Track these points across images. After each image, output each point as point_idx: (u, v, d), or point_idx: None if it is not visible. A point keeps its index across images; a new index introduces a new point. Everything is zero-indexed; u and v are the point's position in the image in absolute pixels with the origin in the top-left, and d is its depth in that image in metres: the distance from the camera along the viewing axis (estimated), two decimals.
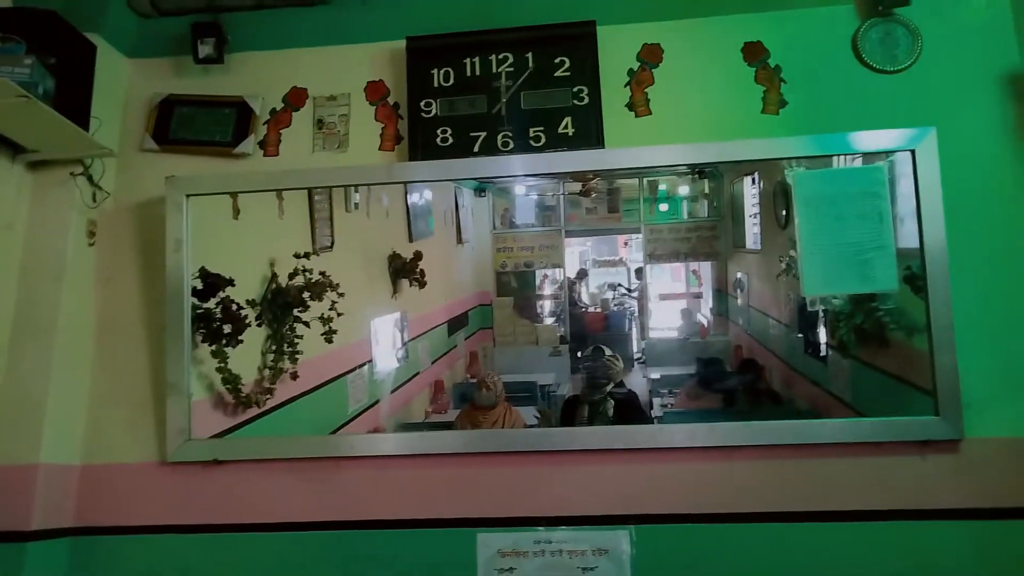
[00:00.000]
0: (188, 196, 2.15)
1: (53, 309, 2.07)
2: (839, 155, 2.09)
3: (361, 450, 2.09)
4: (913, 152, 1.95)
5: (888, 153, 2.01)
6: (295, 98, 2.31)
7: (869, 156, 2.06)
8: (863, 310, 2.41)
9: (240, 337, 2.27)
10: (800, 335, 3.30)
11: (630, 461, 1.99)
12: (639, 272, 5.36)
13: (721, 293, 4.76)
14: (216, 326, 2.22)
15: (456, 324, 4.65)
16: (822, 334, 3.01)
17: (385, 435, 2.93)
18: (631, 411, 3.45)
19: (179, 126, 2.29)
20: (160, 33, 2.35)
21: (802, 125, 2.11)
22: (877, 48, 2.12)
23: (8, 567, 1.89)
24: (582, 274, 5.46)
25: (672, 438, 2.01)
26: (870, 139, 1.99)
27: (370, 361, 3.41)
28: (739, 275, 4.45)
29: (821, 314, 2.96)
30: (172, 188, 2.15)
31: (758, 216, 3.98)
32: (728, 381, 3.66)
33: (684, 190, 4.79)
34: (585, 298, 5.45)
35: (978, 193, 2.00)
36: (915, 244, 1.96)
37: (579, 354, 4.66)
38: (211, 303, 2.22)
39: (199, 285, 2.19)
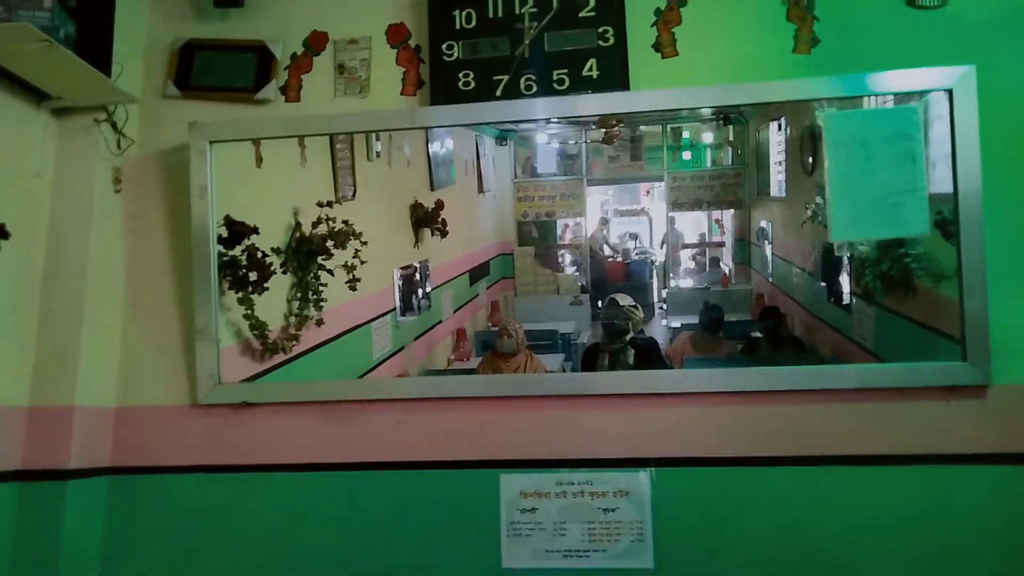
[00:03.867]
0: (211, 143, 2.15)
1: (83, 255, 2.10)
2: (872, 96, 2.03)
3: (386, 393, 2.13)
4: (950, 92, 1.88)
5: (923, 94, 1.94)
6: (316, 42, 2.27)
7: (903, 97, 1.99)
8: (890, 256, 2.37)
9: (266, 285, 2.30)
10: (824, 283, 3.28)
11: (651, 406, 2.01)
12: (669, 221, 5.33)
13: (743, 242, 4.72)
14: (242, 274, 2.25)
15: (478, 273, 4.68)
16: (846, 282, 2.99)
17: (409, 379, 3.00)
18: (651, 359, 3.47)
19: (200, 72, 2.27)
20: None
21: (834, 65, 2.03)
22: None
23: (51, 503, 1.97)
24: (604, 222, 5.44)
25: (693, 383, 2.02)
26: (905, 79, 1.92)
27: (394, 309, 3.45)
28: (763, 223, 4.40)
29: (846, 261, 2.93)
30: (195, 134, 2.15)
31: (783, 163, 3.91)
32: (747, 330, 3.66)
33: (708, 137, 4.72)
34: (607, 248, 5.44)
35: (1017, 136, 1.93)
36: (948, 189, 1.90)
37: (599, 303, 4.68)
38: (237, 251, 2.24)
39: (224, 233, 2.21)
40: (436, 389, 2.13)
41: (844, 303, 3.02)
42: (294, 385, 2.22)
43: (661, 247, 5.16)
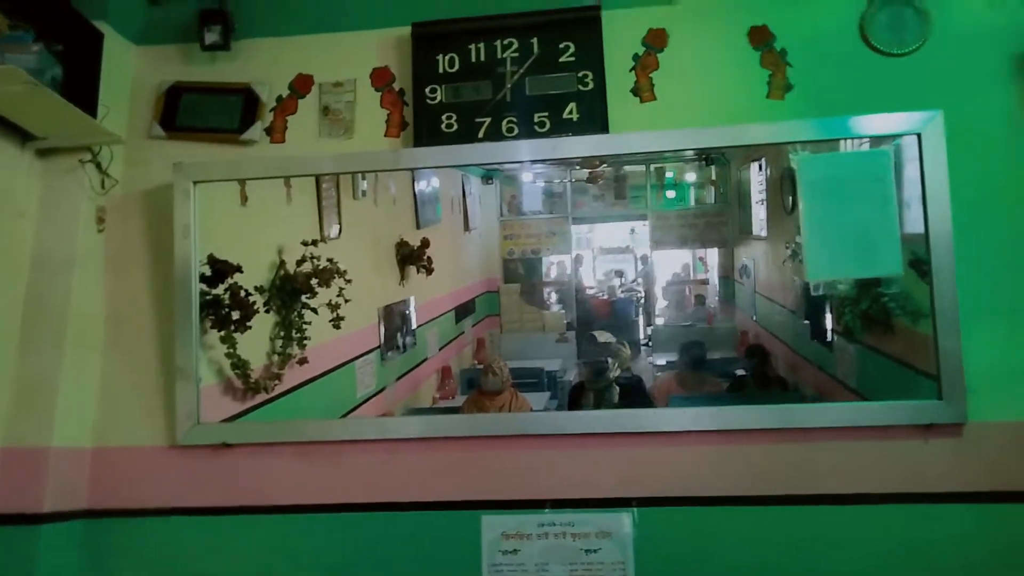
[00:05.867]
0: (195, 183, 2.17)
1: (64, 295, 2.09)
2: (845, 139, 2.08)
3: (368, 434, 2.12)
4: (919, 136, 1.93)
5: (894, 137, 2.00)
6: (301, 85, 2.31)
7: (875, 140, 2.05)
8: (869, 295, 2.41)
9: (248, 323, 2.29)
10: (806, 321, 3.31)
11: (634, 445, 2.01)
12: (644, 259, 5.37)
13: (727, 280, 4.76)
14: (225, 312, 2.25)
15: (463, 311, 4.68)
16: (828, 320, 3.02)
17: (391, 418, 2.97)
18: (636, 397, 3.47)
19: (186, 113, 2.30)
20: (166, 20, 2.36)
21: (808, 109, 2.09)
22: (885, 31, 2.10)
23: (22, 548, 1.93)
24: (579, 260, 5.47)
25: (676, 422, 2.02)
26: (876, 123, 1.98)
27: (378, 347, 3.44)
28: (746, 261, 4.45)
29: (827, 300, 2.97)
30: (179, 175, 2.16)
31: (764, 203, 3.97)
32: (732, 368, 3.67)
33: (691, 177, 4.79)
34: (586, 284, 5.46)
35: (985, 178, 1.98)
36: (921, 230, 1.95)
37: (583, 341, 4.69)
38: (220, 289, 2.24)
39: (208, 272, 2.21)
40: (418, 429, 2.12)
41: (827, 341, 3.05)
42: (275, 425, 2.20)
43: (643, 284, 5.20)
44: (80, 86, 2.03)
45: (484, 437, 2.07)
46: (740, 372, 3.58)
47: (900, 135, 1.98)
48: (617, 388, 3.44)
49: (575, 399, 3.48)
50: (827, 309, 3.01)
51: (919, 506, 1.89)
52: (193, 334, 2.14)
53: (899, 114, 1.96)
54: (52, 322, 2.08)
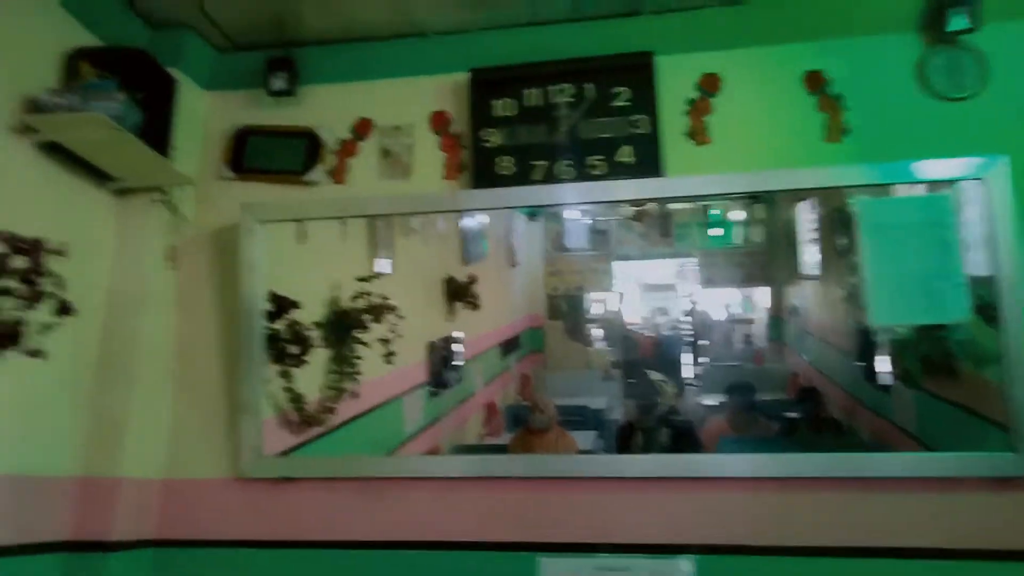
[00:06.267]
0: (261, 222, 2.24)
1: (136, 330, 2.17)
2: (904, 184, 2.06)
3: (424, 471, 2.14)
4: (983, 181, 1.90)
5: (954, 181, 1.97)
6: (362, 128, 2.39)
7: (934, 184, 2.02)
8: (929, 338, 2.35)
9: (306, 358, 2.34)
10: (861, 363, 3.23)
11: (689, 490, 1.99)
12: (690, 297, 5.33)
13: (777, 319, 4.68)
14: (283, 347, 2.30)
15: (509, 346, 4.68)
16: (885, 363, 2.94)
17: (446, 457, 2.97)
18: (686, 438, 3.41)
19: (253, 155, 2.40)
20: (235, 67, 2.48)
21: (866, 152, 2.09)
22: (943, 75, 2.09)
23: (93, 574, 1.97)
24: (623, 297, 5.44)
25: (733, 467, 1.99)
26: (938, 168, 1.95)
27: (426, 382, 3.47)
28: (796, 301, 4.38)
29: (884, 342, 2.90)
30: (247, 215, 2.24)
31: (815, 242, 3.92)
32: (784, 410, 3.59)
33: (738, 215, 4.76)
34: (631, 321, 5.43)
35: None
36: (985, 272, 1.91)
37: (629, 379, 4.64)
38: (279, 325, 2.30)
39: (268, 307, 2.28)
40: (473, 468, 2.13)
41: (883, 384, 2.97)
42: (334, 460, 2.22)
43: (690, 322, 5.14)
44: (156, 130, 2.12)
45: (539, 479, 2.07)
46: (792, 415, 3.50)
47: (962, 179, 1.95)
48: (667, 429, 3.40)
49: (624, 439, 3.44)
50: (883, 351, 2.94)
51: (988, 563, 1.81)
52: (257, 369, 2.19)
53: (962, 159, 1.93)
54: (125, 358, 2.15)
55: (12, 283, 1.71)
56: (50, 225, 1.93)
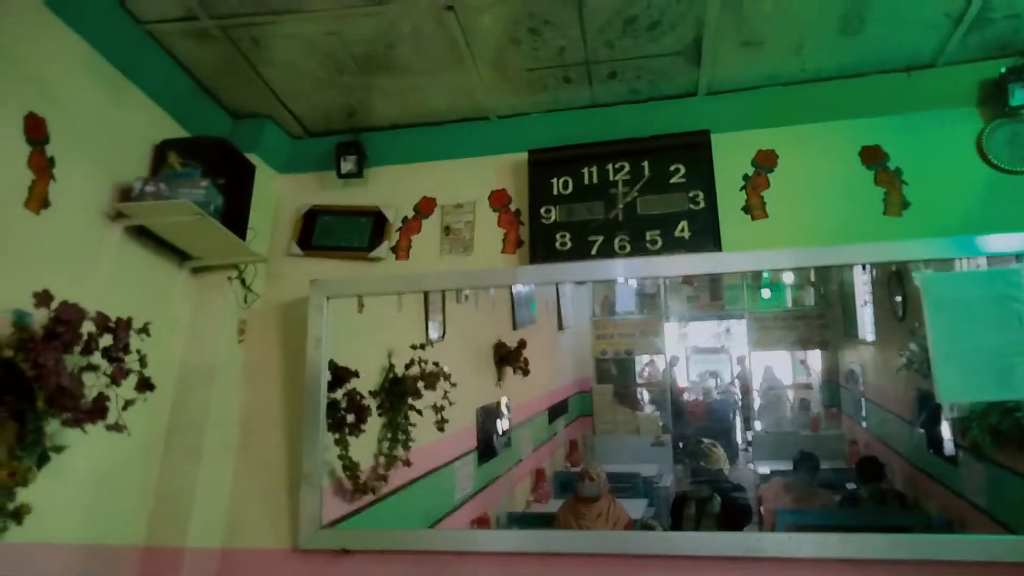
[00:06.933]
0: (329, 298, 2.32)
1: (205, 403, 2.25)
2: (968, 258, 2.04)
3: (478, 545, 2.13)
4: None
5: (1021, 256, 1.95)
6: (425, 207, 2.49)
7: (998, 257, 2.00)
8: (999, 410, 2.28)
9: (363, 427, 2.38)
10: (922, 430, 3.13)
11: (749, 569, 1.93)
12: (740, 361, 5.25)
13: (832, 384, 4.58)
14: (341, 416, 2.34)
15: (557, 411, 4.67)
16: (948, 431, 2.85)
17: (501, 532, 2.95)
18: (739, 509, 3.33)
19: (321, 234, 2.50)
20: (307, 152, 2.62)
21: (928, 227, 2.09)
22: (1004, 148, 2.10)
23: None
24: (674, 361, 5.40)
25: (794, 547, 1.93)
26: (1003, 242, 1.94)
27: (475, 448, 3.47)
28: (852, 366, 4.29)
29: (949, 411, 2.81)
30: (316, 291, 2.33)
31: (870, 304, 3.86)
32: (843, 480, 3.48)
33: (788, 277, 4.73)
34: (681, 385, 5.36)
35: None
36: None
37: (680, 444, 4.56)
38: (338, 394, 2.34)
39: (329, 377, 2.33)
40: (527, 543, 2.10)
41: (948, 454, 2.87)
42: (391, 533, 2.23)
43: (742, 386, 5.07)
44: (235, 213, 2.24)
45: (594, 555, 2.04)
46: (852, 486, 3.39)
47: None
48: (719, 498, 3.32)
49: (677, 510, 3.37)
50: (947, 420, 2.85)
51: None
52: (319, 440, 2.24)
53: None
54: (193, 430, 2.23)
55: (100, 360, 1.80)
56: (133, 303, 2.04)
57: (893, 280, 3.34)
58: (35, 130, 1.79)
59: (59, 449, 1.73)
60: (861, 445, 3.96)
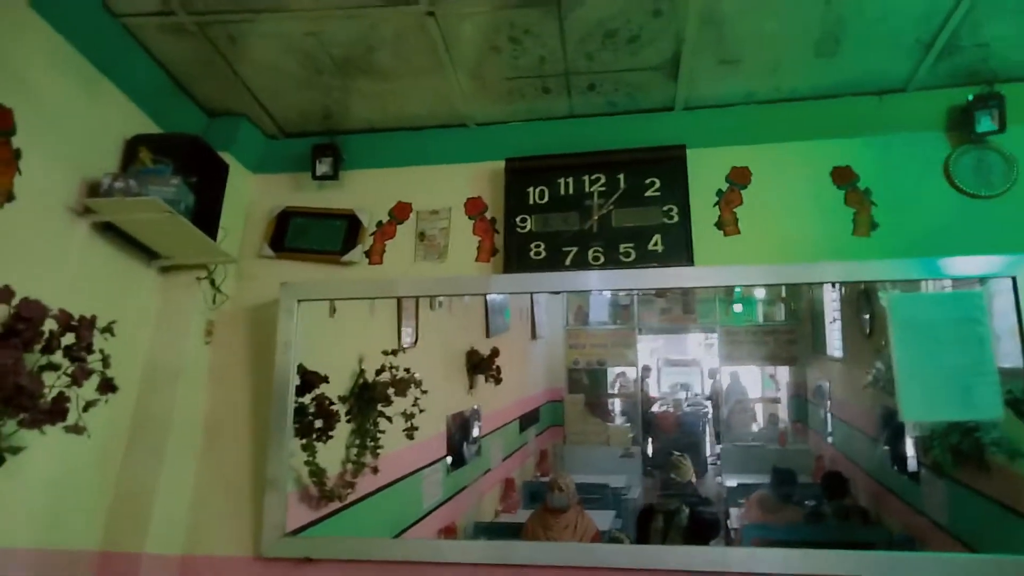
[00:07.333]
0: (299, 301, 2.29)
1: (169, 405, 2.20)
2: (933, 279, 2.09)
3: (445, 556, 2.10)
4: (1014, 279, 1.93)
5: (986, 279, 1.99)
6: (400, 212, 2.47)
7: (963, 280, 2.05)
8: (960, 429, 2.33)
9: (331, 433, 2.35)
10: (887, 447, 3.19)
11: None
12: (712, 373, 5.30)
13: (800, 399, 4.65)
14: (308, 421, 2.31)
15: (528, 420, 4.66)
16: (911, 447, 2.90)
17: (468, 543, 2.93)
18: (706, 523, 3.35)
19: (294, 235, 2.47)
20: (283, 152, 2.58)
21: (895, 248, 2.12)
22: (970, 173, 2.15)
23: None
24: (646, 372, 5.44)
25: (760, 563, 1.94)
26: (968, 265, 1.98)
27: (444, 457, 3.44)
28: (821, 382, 4.36)
29: (912, 429, 2.87)
30: (286, 294, 2.30)
31: (838, 322, 3.93)
32: (808, 495, 3.53)
33: (760, 292, 4.79)
34: (652, 396, 5.40)
35: None
36: (1016, 364, 1.91)
37: (649, 457, 4.59)
38: (306, 399, 2.31)
39: (297, 382, 2.29)
40: (494, 555, 2.09)
41: (910, 471, 2.92)
42: (356, 541, 2.19)
43: (712, 399, 5.11)
44: (206, 212, 2.21)
45: (560, 567, 2.03)
46: (817, 502, 3.43)
47: (994, 276, 1.97)
48: (687, 511, 3.34)
49: (644, 522, 3.39)
50: (911, 439, 2.90)
51: None
52: (286, 445, 2.20)
53: (993, 257, 1.96)
54: (155, 432, 2.18)
55: (61, 359, 1.75)
56: (99, 302, 1.99)
57: (861, 298, 3.40)
58: (1, 120, 1.74)
59: (15, 450, 1.67)
60: (827, 460, 4.02)
